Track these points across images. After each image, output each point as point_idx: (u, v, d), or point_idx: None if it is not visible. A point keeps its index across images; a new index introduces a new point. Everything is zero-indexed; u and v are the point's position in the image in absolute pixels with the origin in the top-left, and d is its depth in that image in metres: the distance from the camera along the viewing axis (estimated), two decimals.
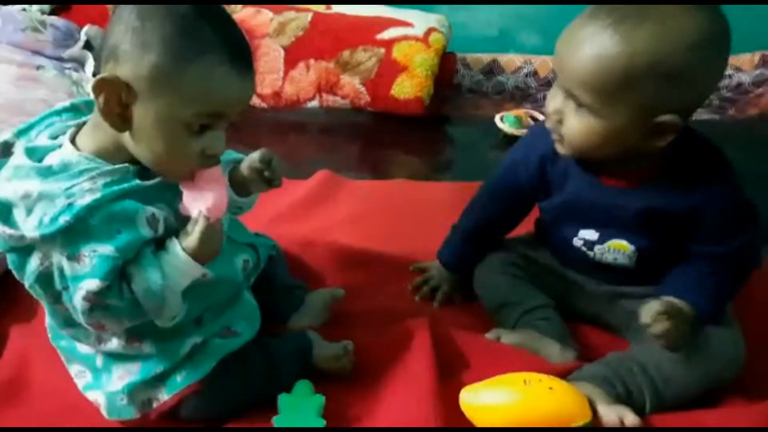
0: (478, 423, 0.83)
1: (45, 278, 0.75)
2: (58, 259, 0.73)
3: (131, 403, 0.82)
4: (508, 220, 1.06)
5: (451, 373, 0.86)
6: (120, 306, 0.74)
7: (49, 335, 0.88)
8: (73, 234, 0.71)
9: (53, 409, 0.87)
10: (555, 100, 0.85)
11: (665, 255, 0.90)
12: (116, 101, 0.71)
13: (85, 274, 0.72)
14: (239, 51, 0.74)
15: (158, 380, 0.82)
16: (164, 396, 0.82)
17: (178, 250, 0.75)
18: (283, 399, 0.85)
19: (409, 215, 1.26)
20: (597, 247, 0.92)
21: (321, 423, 0.83)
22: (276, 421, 0.83)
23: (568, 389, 0.82)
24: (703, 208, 0.85)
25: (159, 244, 0.77)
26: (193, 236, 0.75)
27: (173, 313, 0.78)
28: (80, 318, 0.75)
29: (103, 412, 0.83)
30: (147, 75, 0.70)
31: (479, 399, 0.83)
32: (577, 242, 0.94)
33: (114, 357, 0.83)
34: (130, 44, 0.70)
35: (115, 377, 0.83)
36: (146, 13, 0.70)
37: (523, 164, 0.96)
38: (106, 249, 0.72)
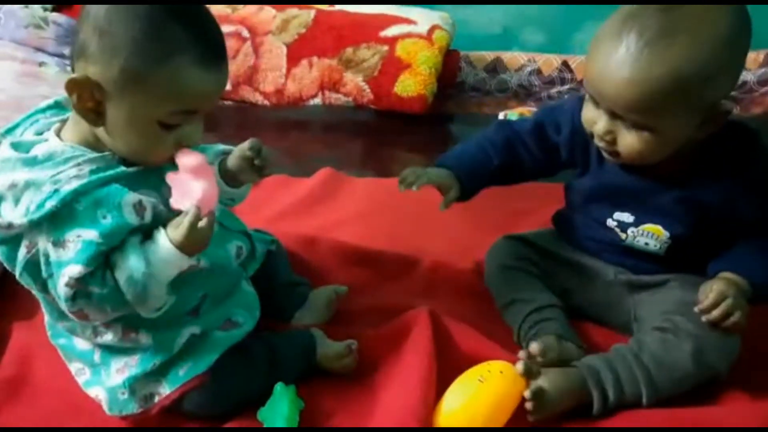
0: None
1: (32, 266, 0.75)
2: (44, 245, 0.73)
3: (132, 398, 0.82)
4: (531, 163, 1.00)
5: (453, 369, 0.86)
6: (102, 294, 0.74)
7: (48, 334, 0.88)
8: (59, 220, 0.72)
9: (55, 406, 0.87)
10: (601, 121, 0.84)
11: (698, 244, 0.90)
12: (89, 98, 0.72)
13: (68, 259, 0.72)
14: (211, 48, 0.73)
15: (159, 374, 0.82)
16: (166, 390, 0.82)
17: (164, 240, 0.74)
18: (262, 413, 0.85)
19: (412, 213, 1.25)
20: (631, 230, 0.92)
21: (284, 404, 0.83)
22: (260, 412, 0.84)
23: (510, 367, 0.84)
24: (738, 197, 0.86)
25: (148, 233, 0.76)
26: (180, 228, 0.73)
27: (157, 303, 0.77)
28: (63, 306, 0.75)
29: (105, 407, 0.83)
30: (117, 78, 0.71)
31: (445, 408, 0.82)
32: (611, 223, 0.93)
33: (111, 350, 0.83)
34: (99, 47, 0.70)
35: (114, 371, 0.82)
36: (114, 15, 0.70)
37: (552, 126, 0.97)
38: (91, 234, 0.72)
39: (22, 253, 0.75)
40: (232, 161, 0.87)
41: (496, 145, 1.00)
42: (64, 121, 0.79)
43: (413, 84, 1.59)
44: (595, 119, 0.84)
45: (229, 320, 0.87)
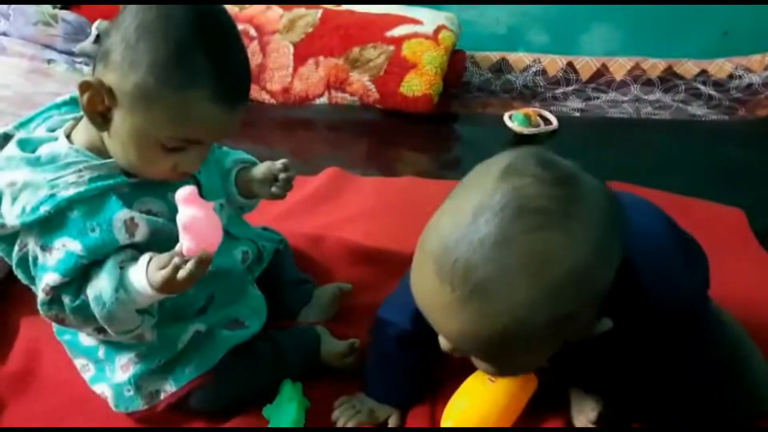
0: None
1: (24, 264, 0.76)
2: (33, 247, 0.74)
3: (138, 395, 0.83)
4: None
5: (462, 369, 0.86)
6: (73, 306, 0.74)
7: (54, 329, 0.89)
8: (50, 225, 0.72)
9: (62, 401, 0.88)
10: (442, 341, 0.68)
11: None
12: (99, 102, 0.72)
13: (49, 266, 0.73)
14: (230, 85, 0.72)
15: (165, 371, 0.82)
16: (171, 387, 0.83)
17: (141, 276, 0.71)
18: (267, 410, 0.86)
19: (416, 212, 1.23)
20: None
21: (293, 405, 0.84)
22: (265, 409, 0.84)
23: None
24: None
25: (141, 250, 0.75)
26: (161, 272, 0.69)
27: (126, 327, 0.76)
28: (39, 309, 0.76)
29: (110, 403, 0.84)
30: (129, 91, 0.70)
31: (456, 409, 0.82)
32: None
33: (115, 346, 0.83)
34: (121, 57, 0.70)
35: (119, 367, 0.83)
36: (143, 30, 0.69)
37: (397, 324, 0.83)
38: (75, 246, 0.72)
39: (15, 250, 0.76)
40: (256, 172, 0.89)
41: (399, 355, 0.85)
42: (77, 120, 0.79)
43: (419, 84, 1.59)
44: (442, 341, 0.69)
45: (236, 320, 0.88)
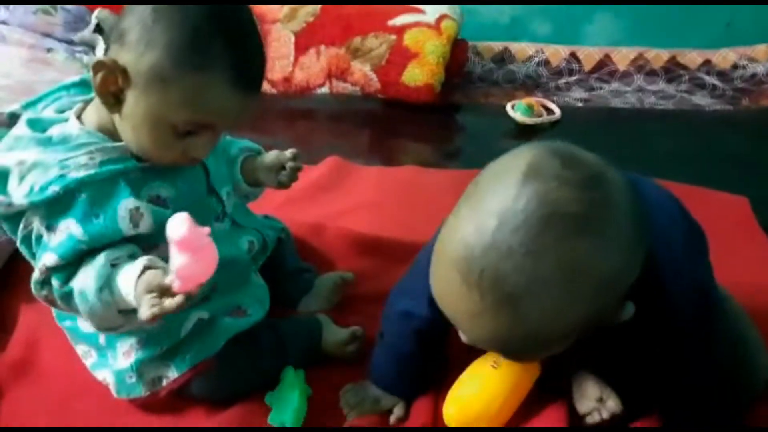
0: (465, 425, 0.82)
1: (26, 241, 0.76)
2: (38, 226, 0.74)
3: (140, 381, 0.82)
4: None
5: (464, 354, 0.86)
6: (60, 291, 0.74)
7: (54, 315, 0.88)
8: (57, 206, 0.72)
9: (62, 388, 0.88)
10: (462, 336, 0.67)
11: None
12: (113, 82, 0.71)
13: (50, 247, 0.72)
14: (246, 71, 0.72)
15: (166, 358, 0.82)
16: (173, 374, 0.82)
17: (129, 288, 0.69)
18: (270, 397, 0.85)
19: (418, 202, 1.25)
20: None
21: (296, 392, 0.84)
22: (270, 419, 0.83)
23: None
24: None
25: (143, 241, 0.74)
26: (147, 298, 0.66)
27: (108, 324, 0.75)
28: (33, 288, 0.75)
29: (112, 390, 0.83)
30: (144, 72, 0.70)
31: (459, 395, 0.82)
32: None
33: (116, 333, 0.82)
34: (137, 37, 0.69)
35: (120, 354, 0.83)
36: (162, 12, 0.69)
37: (414, 313, 0.80)
38: (77, 230, 0.72)
39: (20, 227, 0.76)
40: (265, 160, 0.90)
41: (411, 347, 0.83)
42: (87, 102, 0.79)
43: (421, 73, 1.58)
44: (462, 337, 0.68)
45: (239, 308, 0.87)
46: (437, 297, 0.63)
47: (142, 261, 0.70)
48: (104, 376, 0.85)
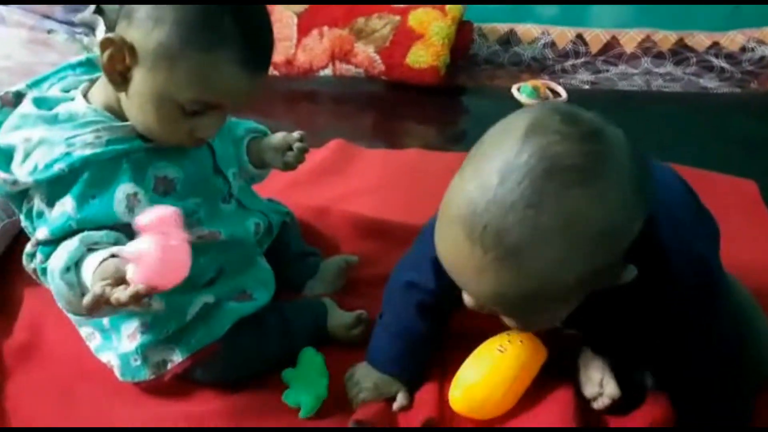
0: (473, 411, 0.81)
1: (29, 217, 0.76)
2: (39, 202, 0.73)
3: (144, 364, 0.82)
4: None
5: (469, 338, 0.86)
6: (39, 266, 0.74)
7: None
8: (61, 184, 0.72)
9: (68, 371, 0.88)
10: (466, 298, 0.67)
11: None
12: (120, 60, 0.70)
13: (45, 221, 0.72)
14: (255, 50, 0.71)
15: (172, 341, 0.82)
16: (178, 357, 0.82)
17: (89, 273, 0.67)
18: (289, 374, 0.86)
19: (423, 185, 1.24)
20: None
21: (324, 381, 0.84)
22: (285, 396, 0.84)
23: (530, 336, 0.83)
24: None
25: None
26: (97, 285, 0.64)
27: (74, 308, 0.73)
28: (24, 259, 0.75)
29: (117, 373, 0.83)
30: (152, 49, 0.69)
31: (464, 380, 0.81)
32: None
33: (121, 315, 0.82)
34: (146, 14, 0.68)
35: (125, 336, 0.82)
36: None
37: (419, 285, 0.80)
38: (71, 208, 0.71)
39: (24, 203, 0.76)
40: (272, 140, 0.90)
41: (414, 323, 0.83)
42: (93, 81, 0.78)
43: (425, 55, 1.57)
44: (466, 297, 0.68)
45: (244, 292, 0.87)
46: (441, 256, 0.63)
47: (111, 249, 0.68)
48: (109, 358, 0.84)
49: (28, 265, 0.76)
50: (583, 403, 0.82)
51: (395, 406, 0.83)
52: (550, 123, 0.58)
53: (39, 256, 0.73)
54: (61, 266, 0.69)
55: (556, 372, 0.85)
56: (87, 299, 0.65)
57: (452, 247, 0.61)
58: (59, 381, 0.87)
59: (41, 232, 0.72)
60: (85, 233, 0.71)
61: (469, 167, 0.61)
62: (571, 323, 0.72)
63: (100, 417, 0.82)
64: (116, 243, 0.72)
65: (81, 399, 0.85)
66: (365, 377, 0.85)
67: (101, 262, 0.67)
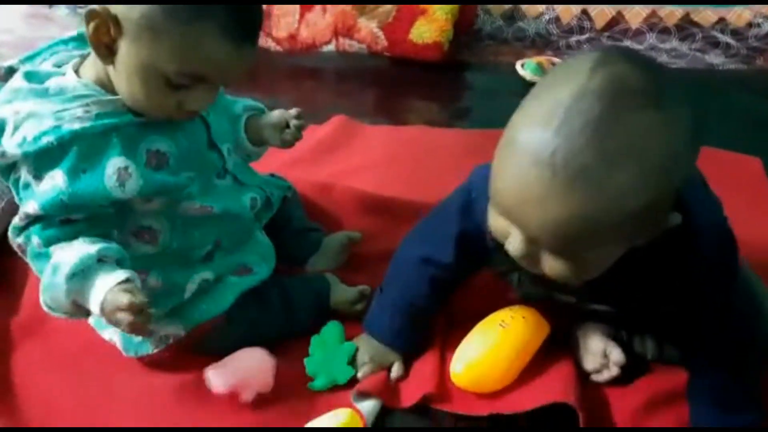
0: (474, 385, 0.82)
1: (16, 187, 0.76)
2: (25, 174, 0.73)
3: (147, 339, 0.83)
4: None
5: (471, 312, 0.86)
6: (34, 249, 0.73)
7: None
8: (48, 156, 0.71)
9: (73, 345, 0.88)
10: (515, 241, 0.64)
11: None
12: (105, 32, 0.69)
13: (33, 195, 0.72)
14: (239, 22, 0.70)
15: (174, 316, 0.82)
16: (180, 332, 0.83)
17: (100, 293, 0.70)
18: (315, 340, 0.87)
19: (426, 161, 1.24)
20: (580, 305, 0.84)
21: (350, 372, 0.84)
22: (307, 362, 0.85)
23: (533, 311, 0.84)
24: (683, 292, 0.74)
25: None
26: (122, 323, 0.69)
27: (55, 305, 0.73)
28: (9, 233, 0.75)
29: (120, 348, 0.84)
30: (136, 20, 0.68)
31: (466, 355, 0.82)
32: (558, 297, 0.84)
33: None
34: None
35: None
36: None
37: (475, 231, 0.77)
38: (62, 182, 0.71)
39: (11, 176, 0.75)
40: (270, 117, 0.90)
41: (424, 297, 0.85)
42: (84, 56, 0.77)
43: (429, 31, 1.55)
44: (507, 233, 0.65)
45: (244, 266, 0.87)
46: (500, 189, 0.62)
47: (127, 273, 0.71)
48: (110, 335, 0.85)
49: (14, 239, 0.75)
50: (583, 377, 0.83)
51: (393, 376, 0.85)
52: (618, 57, 0.59)
53: (35, 239, 0.73)
54: (69, 270, 0.70)
55: (557, 347, 0.86)
56: (127, 331, 0.70)
57: (516, 178, 0.60)
58: (66, 355, 0.87)
59: (31, 206, 0.72)
60: (103, 245, 0.72)
61: (533, 101, 0.61)
62: (592, 288, 0.71)
63: (106, 389, 0.83)
64: (121, 261, 0.73)
65: (87, 373, 0.85)
66: (364, 348, 0.86)
67: (118, 284, 0.69)
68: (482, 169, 0.77)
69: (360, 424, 0.77)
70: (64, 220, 0.73)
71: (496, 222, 0.65)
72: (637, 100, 0.57)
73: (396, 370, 0.85)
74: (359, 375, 0.84)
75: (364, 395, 0.82)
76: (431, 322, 0.88)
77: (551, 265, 0.64)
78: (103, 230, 0.75)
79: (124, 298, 0.68)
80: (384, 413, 0.82)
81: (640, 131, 0.57)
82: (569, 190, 0.57)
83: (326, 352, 0.86)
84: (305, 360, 0.86)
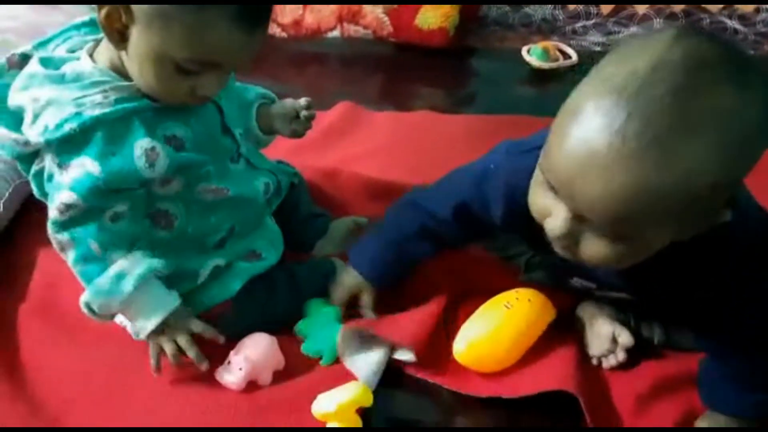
0: (476, 364, 0.83)
1: (38, 177, 0.76)
2: (50, 164, 0.73)
3: None
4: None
5: (476, 293, 0.87)
6: (76, 249, 0.75)
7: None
8: (71, 143, 0.72)
9: (83, 331, 0.89)
10: (559, 220, 0.61)
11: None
12: (117, 19, 0.70)
13: (65, 184, 0.72)
14: (248, 8, 0.70)
15: (184, 301, 0.83)
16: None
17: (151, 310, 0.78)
18: (304, 325, 0.88)
19: (431, 147, 1.24)
20: (597, 292, 0.85)
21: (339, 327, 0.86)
22: (305, 348, 0.86)
23: (539, 295, 0.85)
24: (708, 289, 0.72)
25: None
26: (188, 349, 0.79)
27: (103, 310, 0.78)
28: (50, 228, 0.76)
29: (130, 332, 0.85)
30: (146, 8, 0.68)
31: (470, 334, 0.83)
32: (575, 282, 0.84)
33: None
34: None
35: None
36: None
37: (479, 203, 0.80)
38: (94, 167, 0.71)
39: (33, 164, 0.76)
40: (281, 106, 0.91)
41: (411, 239, 0.88)
42: (98, 41, 0.78)
43: (434, 17, 1.55)
44: (549, 211, 0.63)
45: (253, 252, 0.88)
46: (558, 160, 0.58)
47: (178, 299, 0.80)
48: (120, 319, 0.86)
49: (58, 233, 0.76)
50: (586, 361, 0.84)
51: (361, 305, 0.90)
52: (697, 32, 0.58)
53: (94, 244, 0.75)
54: (133, 283, 0.76)
55: (562, 332, 0.86)
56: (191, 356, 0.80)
57: (580, 146, 0.56)
58: (75, 338, 0.88)
59: (65, 196, 0.72)
60: (161, 263, 0.78)
61: (603, 69, 0.59)
62: (620, 275, 0.72)
63: (115, 372, 0.84)
64: (161, 277, 0.79)
65: (97, 358, 0.86)
66: (341, 275, 0.91)
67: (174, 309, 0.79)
68: (505, 144, 0.79)
69: (370, 397, 0.77)
70: (113, 216, 0.75)
71: (541, 199, 0.63)
72: (720, 72, 0.55)
73: (365, 300, 0.89)
74: (333, 299, 0.89)
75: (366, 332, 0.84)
76: (412, 270, 0.91)
77: (592, 247, 0.62)
78: (141, 227, 0.79)
79: (199, 328, 0.80)
80: (385, 388, 0.82)
81: (720, 106, 0.54)
82: (639, 160, 0.54)
83: (313, 325, 0.87)
84: (303, 347, 0.86)
